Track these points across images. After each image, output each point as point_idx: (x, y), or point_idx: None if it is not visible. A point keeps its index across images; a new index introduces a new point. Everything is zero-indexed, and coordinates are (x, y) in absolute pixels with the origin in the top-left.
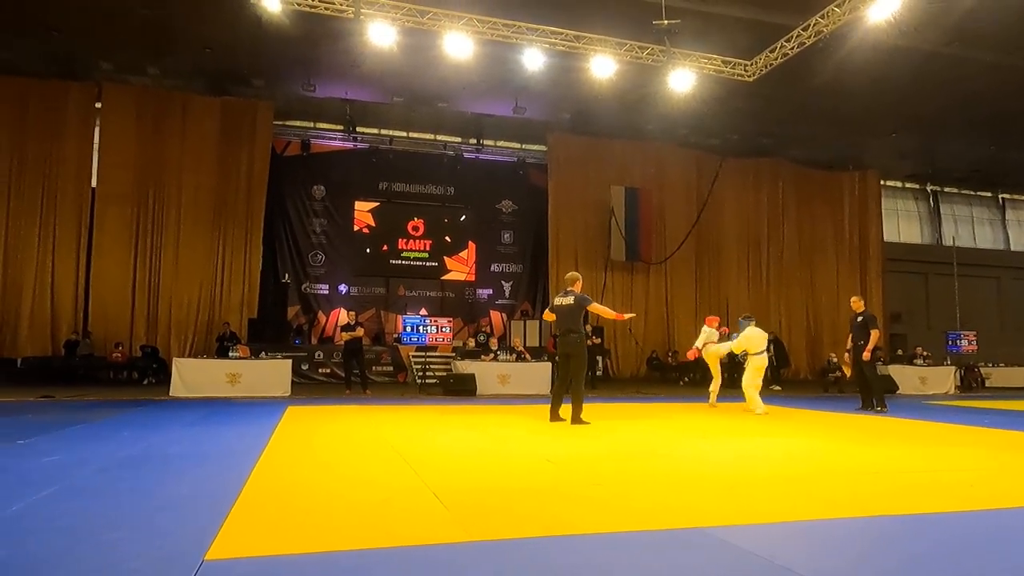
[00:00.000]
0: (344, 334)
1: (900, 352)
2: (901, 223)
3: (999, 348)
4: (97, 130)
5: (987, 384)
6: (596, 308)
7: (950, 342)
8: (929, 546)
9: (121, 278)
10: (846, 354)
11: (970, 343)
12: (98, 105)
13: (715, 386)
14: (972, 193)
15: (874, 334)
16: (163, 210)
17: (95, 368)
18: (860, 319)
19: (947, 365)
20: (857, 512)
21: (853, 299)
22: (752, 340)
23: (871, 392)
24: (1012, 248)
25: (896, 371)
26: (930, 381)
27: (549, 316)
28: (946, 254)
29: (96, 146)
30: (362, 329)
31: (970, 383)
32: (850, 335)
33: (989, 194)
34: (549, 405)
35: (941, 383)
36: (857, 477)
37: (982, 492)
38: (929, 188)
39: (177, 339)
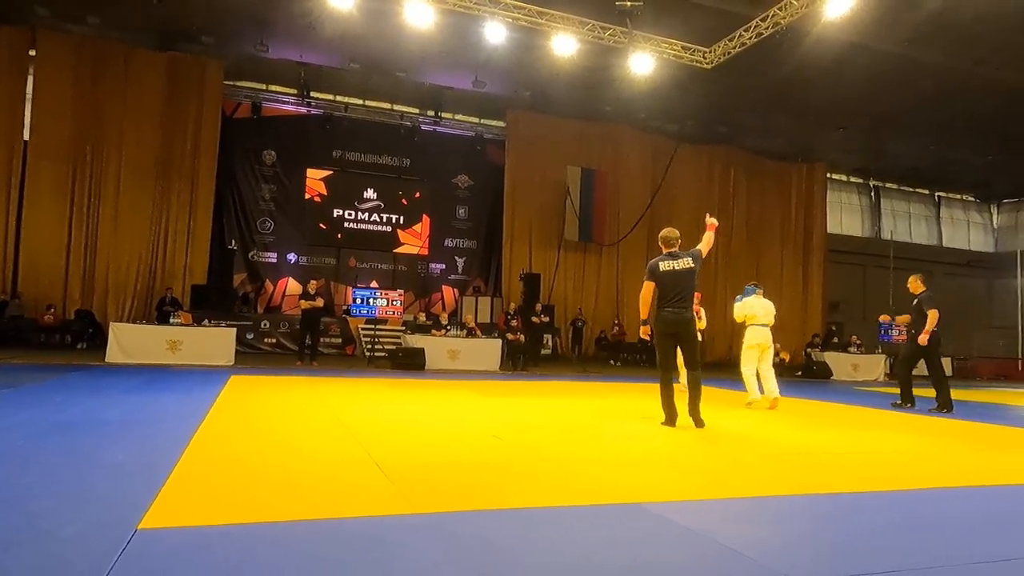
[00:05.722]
0: (304, 302)
1: (836, 340)
2: (844, 215)
3: None
4: (31, 79)
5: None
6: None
7: (882, 331)
8: (865, 523)
9: (55, 237)
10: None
11: (900, 333)
12: (32, 52)
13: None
14: (911, 190)
15: (932, 315)
16: (102, 168)
17: (25, 331)
18: (916, 301)
19: (878, 353)
20: (793, 491)
21: (911, 279)
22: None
23: (942, 386)
24: (944, 245)
25: (831, 358)
26: (862, 368)
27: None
28: (884, 247)
29: (29, 96)
30: (322, 300)
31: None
32: (909, 319)
33: (926, 192)
34: (661, 405)
35: (872, 370)
36: (793, 459)
37: (909, 473)
38: (872, 183)
39: (115, 303)
